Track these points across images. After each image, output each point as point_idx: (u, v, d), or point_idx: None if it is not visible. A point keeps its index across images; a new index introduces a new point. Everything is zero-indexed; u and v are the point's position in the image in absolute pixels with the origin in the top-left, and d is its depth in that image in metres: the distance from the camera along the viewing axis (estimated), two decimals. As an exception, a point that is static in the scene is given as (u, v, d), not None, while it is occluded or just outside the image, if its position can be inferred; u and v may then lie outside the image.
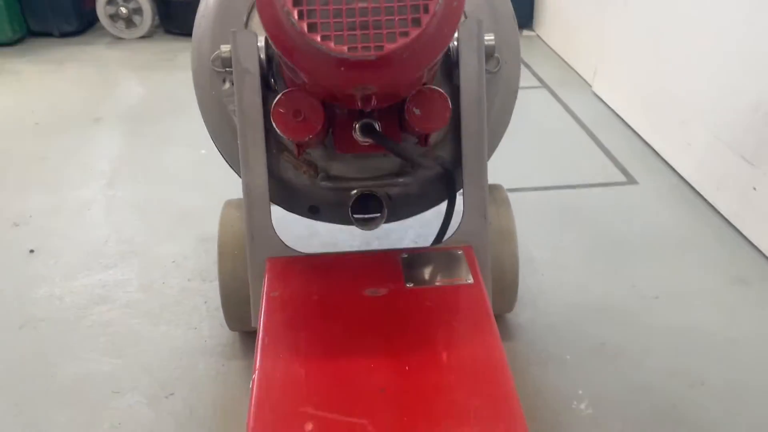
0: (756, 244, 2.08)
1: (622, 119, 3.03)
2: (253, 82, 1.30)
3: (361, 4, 0.87)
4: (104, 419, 1.51)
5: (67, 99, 3.46)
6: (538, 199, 2.41)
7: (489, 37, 1.34)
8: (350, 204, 1.42)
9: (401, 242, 2.11)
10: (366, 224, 1.46)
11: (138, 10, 4.39)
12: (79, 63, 4.01)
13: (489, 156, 1.44)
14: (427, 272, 1.29)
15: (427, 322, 1.14)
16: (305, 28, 0.88)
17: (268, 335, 1.11)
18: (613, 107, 3.16)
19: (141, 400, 1.56)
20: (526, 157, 2.64)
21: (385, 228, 1.46)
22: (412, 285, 1.24)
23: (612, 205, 2.39)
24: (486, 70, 1.35)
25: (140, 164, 2.73)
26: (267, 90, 1.32)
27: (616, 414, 1.50)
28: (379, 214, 1.45)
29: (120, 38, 4.45)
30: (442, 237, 1.48)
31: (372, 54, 0.88)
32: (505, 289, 1.59)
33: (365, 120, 1.22)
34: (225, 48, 1.31)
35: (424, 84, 1.19)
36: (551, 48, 4.15)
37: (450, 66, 1.33)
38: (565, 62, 3.89)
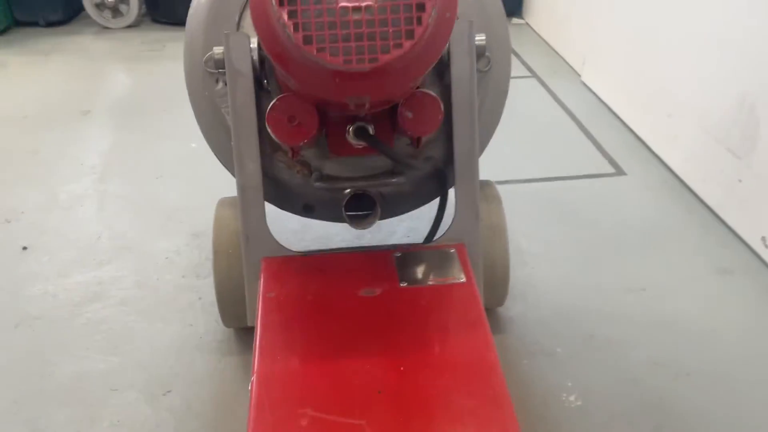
0: (741, 235, 2.12)
1: (611, 109, 3.05)
2: (246, 84, 1.31)
3: (355, 17, 0.89)
4: (104, 417, 1.52)
5: (55, 91, 3.43)
6: (526, 190, 2.43)
7: (480, 38, 1.36)
8: (343, 203, 1.44)
9: (393, 235, 2.14)
10: (360, 223, 1.48)
11: (124, -1, 4.35)
12: (66, 54, 3.96)
13: (480, 153, 1.47)
14: (420, 271, 1.32)
15: (422, 322, 1.18)
16: (300, 41, 0.89)
17: (265, 337, 1.14)
18: (601, 97, 3.17)
19: (139, 397, 1.58)
20: (514, 148, 2.65)
21: (378, 222, 1.48)
22: (406, 284, 1.27)
23: (600, 196, 2.41)
24: (477, 69, 1.37)
25: (130, 158, 2.72)
26: (260, 90, 1.34)
27: (604, 406, 1.54)
28: (372, 213, 1.47)
29: (107, 27, 4.40)
30: (434, 234, 1.51)
31: (366, 66, 0.90)
32: (497, 285, 1.62)
33: (359, 123, 1.23)
34: (218, 50, 1.32)
35: (417, 87, 1.21)
36: (540, 36, 4.15)
37: (441, 66, 1.35)
38: (555, 51, 3.89)
